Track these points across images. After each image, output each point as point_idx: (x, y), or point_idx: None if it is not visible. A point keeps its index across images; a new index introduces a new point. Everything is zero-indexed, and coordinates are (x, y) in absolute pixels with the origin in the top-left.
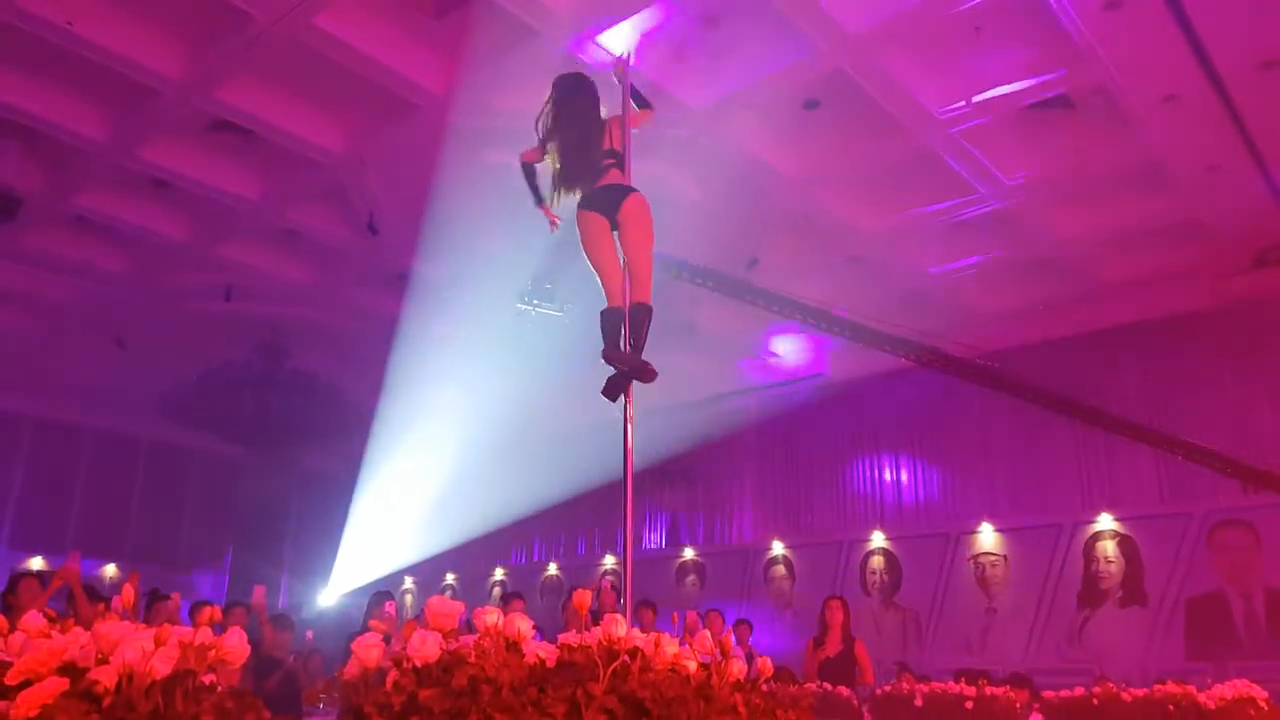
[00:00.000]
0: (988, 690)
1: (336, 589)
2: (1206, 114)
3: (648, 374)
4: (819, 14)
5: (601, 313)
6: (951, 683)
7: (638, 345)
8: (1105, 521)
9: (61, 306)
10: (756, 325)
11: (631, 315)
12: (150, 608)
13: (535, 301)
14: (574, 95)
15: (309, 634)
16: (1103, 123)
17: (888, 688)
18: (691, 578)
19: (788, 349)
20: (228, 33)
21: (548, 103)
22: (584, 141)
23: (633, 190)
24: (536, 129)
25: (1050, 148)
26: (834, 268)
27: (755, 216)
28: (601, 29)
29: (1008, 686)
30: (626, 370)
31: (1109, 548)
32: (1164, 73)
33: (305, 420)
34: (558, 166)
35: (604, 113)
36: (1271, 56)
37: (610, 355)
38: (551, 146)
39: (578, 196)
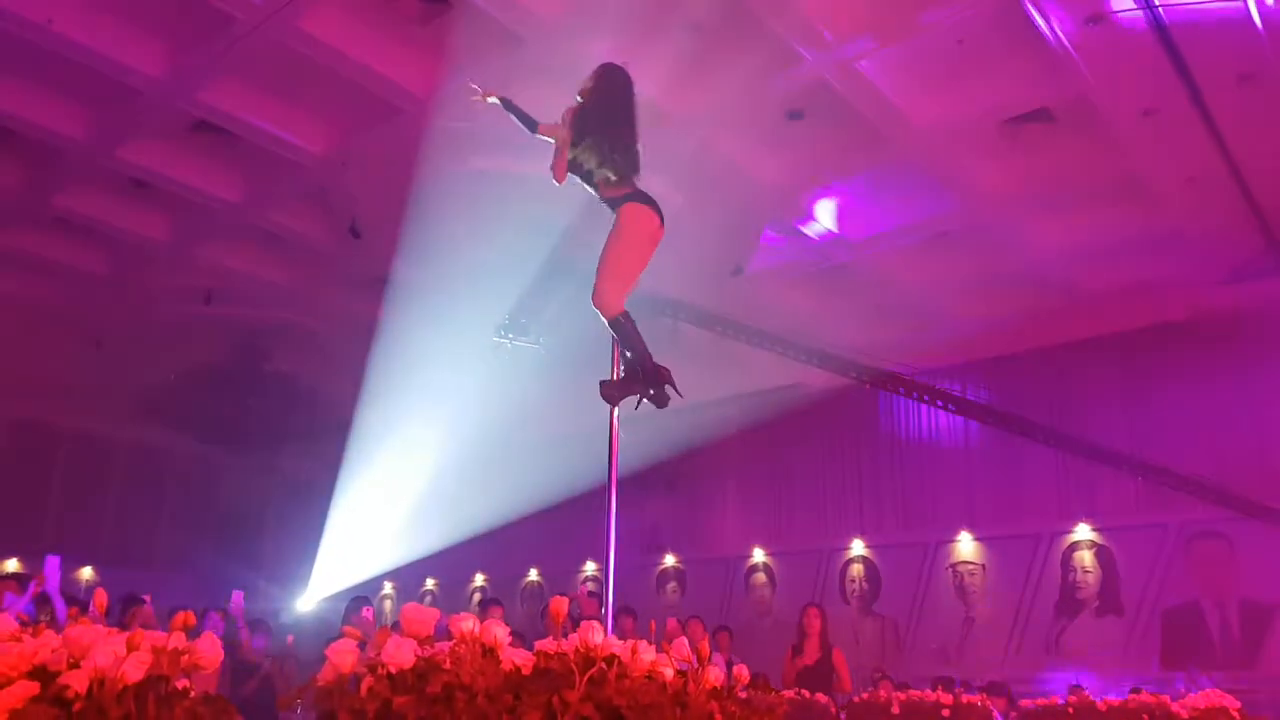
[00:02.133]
0: (964, 698)
1: (315, 594)
2: (1185, 127)
3: (663, 373)
4: (802, 24)
5: (627, 321)
6: (929, 690)
7: (641, 356)
8: (1083, 531)
9: (39, 306)
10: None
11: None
12: (126, 611)
13: (510, 335)
14: (626, 88)
15: (289, 638)
16: (1083, 135)
17: (865, 695)
18: (672, 585)
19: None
20: (210, 33)
21: (598, 84)
22: (630, 131)
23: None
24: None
25: (1031, 160)
26: (816, 276)
27: (739, 225)
28: (586, 36)
29: (984, 694)
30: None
31: (1086, 557)
32: (1144, 86)
33: (284, 422)
34: (607, 143)
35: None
36: (1249, 70)
37: (616, 388)
38: (596, 124)
39: (618, 181)
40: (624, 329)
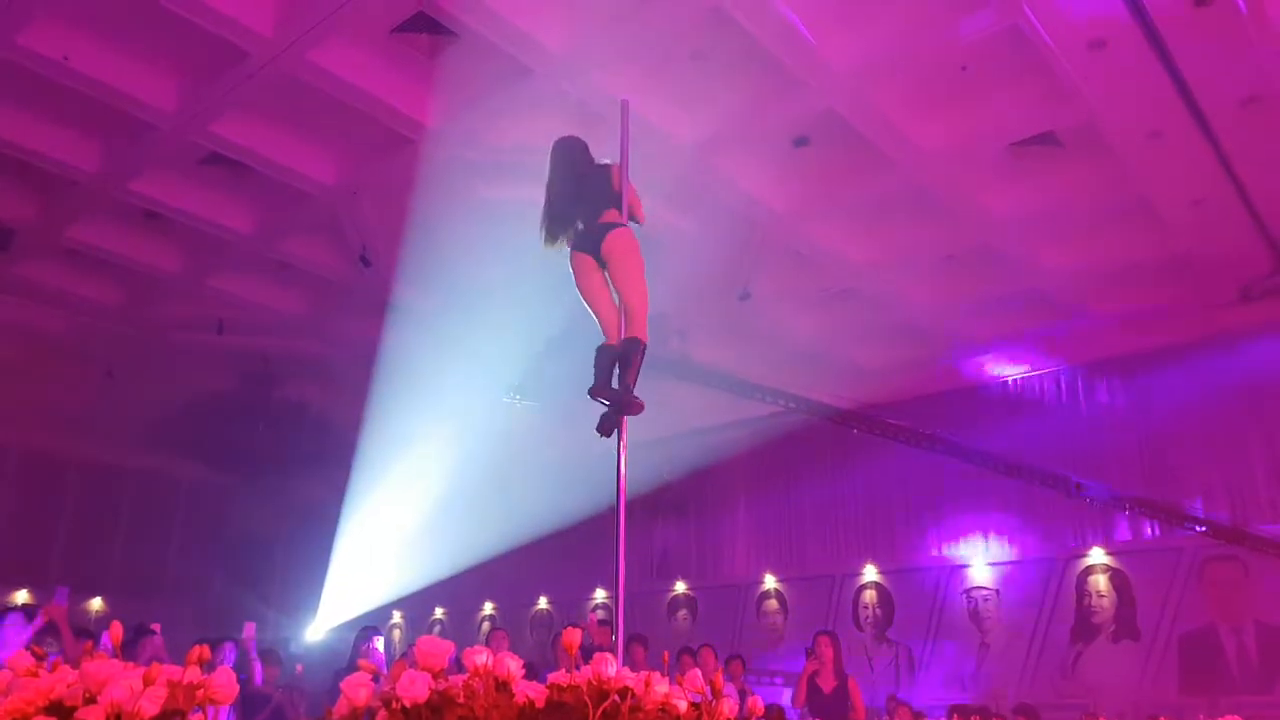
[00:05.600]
0: None
1: (324, 623)
2: (1191, 149)
3: (633, 408)
4: (808, 52)
5: (596, 349)
6: (944, 718)
7: (624, 379)
8: (1097, 555)
9: (51, 337)
10: (748, 357)
11: (621, 349)
12: (135, 642)
13: (517, 397)
14: (564, 153)
15: (299, 668)
16: (1089, 159)
17: None
18: (683, 612)
19: None
20: (223, 67)
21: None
22: (579, 187)
23: (615, 225)
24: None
25: (1037, 183)
26: (825, 300)
27: (747, 250)
28: (594, 68)
29: (1017, 717)
30: (611, 405)
31: (1101, 582)
32: (1148, 109)
33: (294, 451)
34: (550, 215)
35: (608, 160)
36: (1253, 92)
37: (595, 390)
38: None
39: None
40: (639, 357)
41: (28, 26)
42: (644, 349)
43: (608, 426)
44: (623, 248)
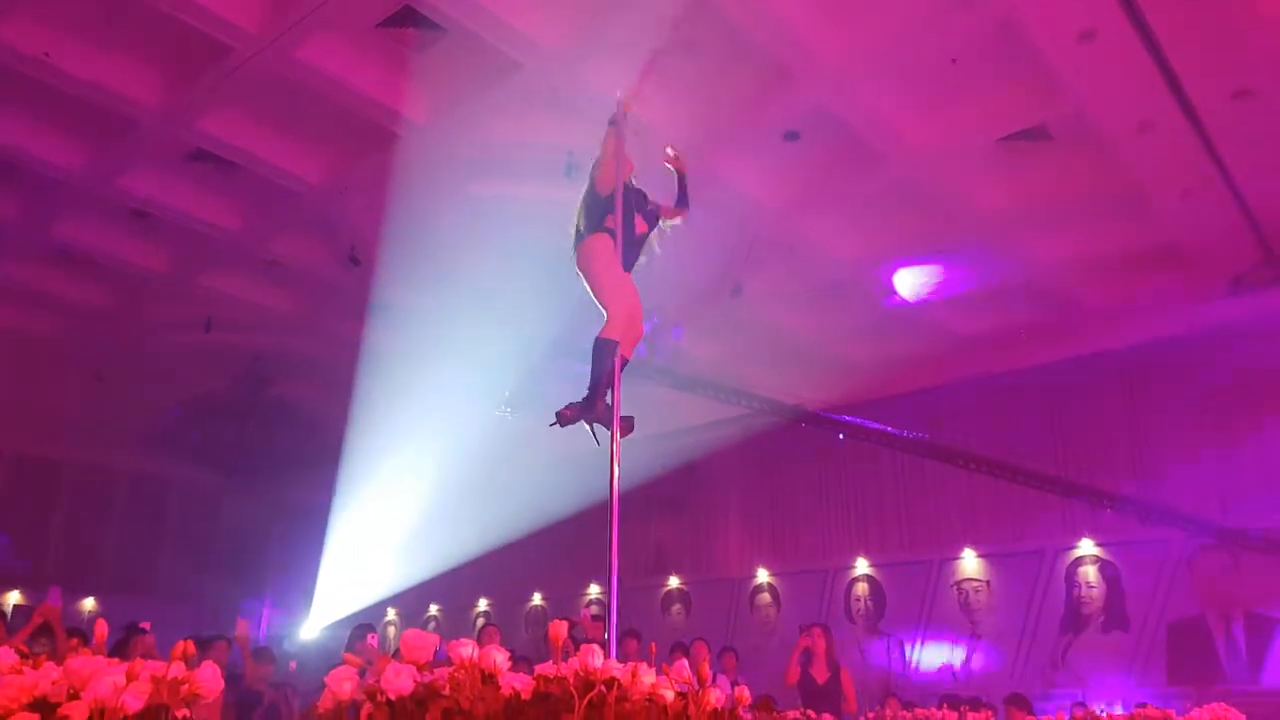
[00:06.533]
0: (969, 715)
1: (319, 621)
2: (1181, 141)
3: (561, 419)
4: (797, 46)
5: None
6: (935, 709)
7: (591, 379)
8: (1087, 546)
9: (40, 338)
10: (740, 353)
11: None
12: (127, 642)
13: (508, 410)
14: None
15: (292, 665)
16: (1079, 151)
17: (871, 715)
18: (677, 607)
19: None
20: (208, 64)
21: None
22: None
23: (578, 246)
24: None
25: (1028, 176)
26: (817, 295)
27: (738, 245)
28: (584, 62)
29: (1007, 706)
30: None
31: (1090, 573)
32: (1138, 101)
33: (286, 449)
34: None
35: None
36: (1243, 85)
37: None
38: None
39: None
40: (602, 357)
41: (5, 22)
42: (610, 347)
43: (625, 430)
44: (584, 261)
